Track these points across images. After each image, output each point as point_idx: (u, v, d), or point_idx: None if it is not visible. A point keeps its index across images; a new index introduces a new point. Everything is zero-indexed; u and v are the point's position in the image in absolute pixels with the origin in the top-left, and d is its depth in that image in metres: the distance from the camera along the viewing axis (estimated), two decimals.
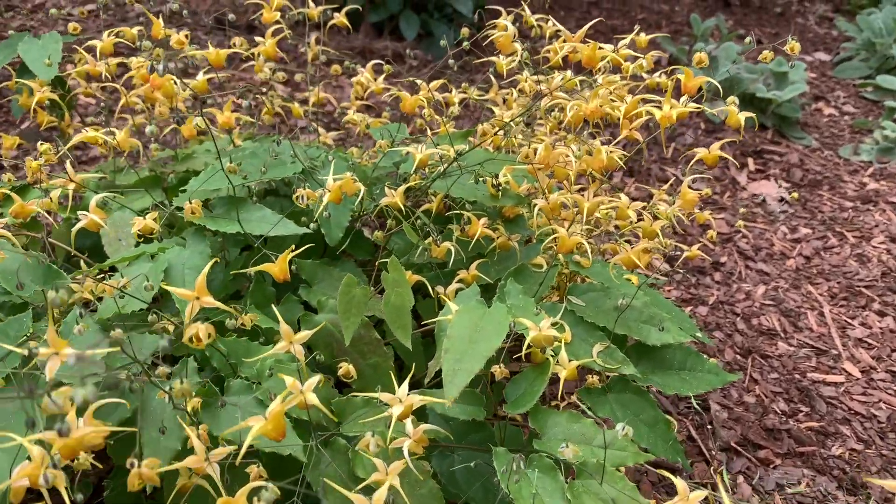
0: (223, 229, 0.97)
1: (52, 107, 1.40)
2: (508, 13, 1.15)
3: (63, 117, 1.40)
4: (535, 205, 0.99)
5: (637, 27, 1.11)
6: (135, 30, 1.23)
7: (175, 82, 1.08)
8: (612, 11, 3.77)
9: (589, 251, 0.91)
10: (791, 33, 3.77)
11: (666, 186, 1.21)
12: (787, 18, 3.98)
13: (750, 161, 2.45)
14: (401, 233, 1.12)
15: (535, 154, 0.97)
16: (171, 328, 0.91)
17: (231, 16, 1.21)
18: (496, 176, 1.07)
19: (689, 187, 0.96)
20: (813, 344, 1.65)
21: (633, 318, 1.02)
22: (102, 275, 1.01)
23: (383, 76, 1.35)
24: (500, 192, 1.05)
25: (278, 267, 0.83)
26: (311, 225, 0.97)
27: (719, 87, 0.94)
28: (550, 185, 1.03)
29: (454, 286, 1.04)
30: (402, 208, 1.01)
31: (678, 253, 1.88)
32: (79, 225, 1.03)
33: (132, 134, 1.20)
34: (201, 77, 1.20)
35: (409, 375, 0.82)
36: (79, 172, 1.09)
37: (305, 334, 0.78)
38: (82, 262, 1.10)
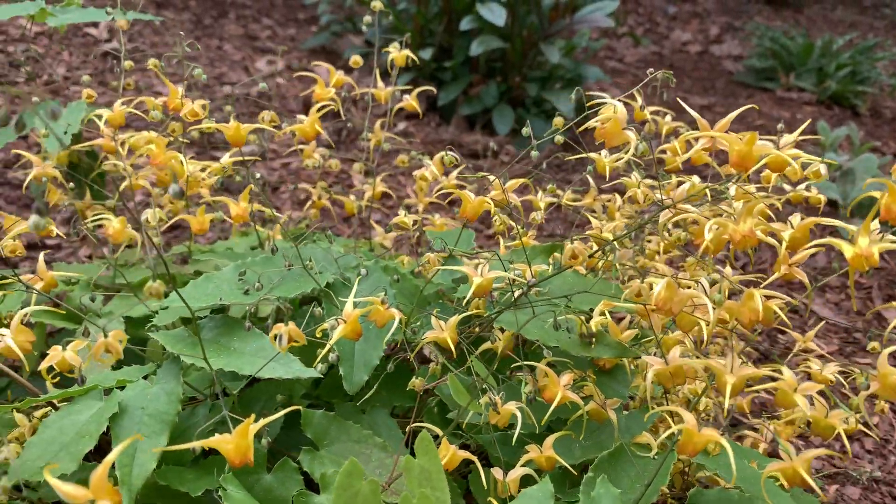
0: (199, 363, 0.69)
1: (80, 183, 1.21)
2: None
3: (83, 195, 1.20)
4: (647, 365, 0.67)
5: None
6: (161, 100, 1.02)
7: (183, 162, 0.85)
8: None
9: (729, 448, 0.58)
10: None
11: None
12: None
13: None
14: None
15: (651, 291, 0.66)
16: None
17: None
18: (588, 316, 0.77)
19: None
20: None
21: None
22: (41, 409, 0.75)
23: (458, 169, 1.08)
24: (592, 340, 0.74)
25: (234, 443, 0.54)
26: (320, 366, 0.68)
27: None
28: (673, 339, 0.71)
29: (518, 472, 0.72)
30: (452, 348, 0.71)
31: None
32: None
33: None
34: (227, 159, 0.96)
35: None
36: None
37: None
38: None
